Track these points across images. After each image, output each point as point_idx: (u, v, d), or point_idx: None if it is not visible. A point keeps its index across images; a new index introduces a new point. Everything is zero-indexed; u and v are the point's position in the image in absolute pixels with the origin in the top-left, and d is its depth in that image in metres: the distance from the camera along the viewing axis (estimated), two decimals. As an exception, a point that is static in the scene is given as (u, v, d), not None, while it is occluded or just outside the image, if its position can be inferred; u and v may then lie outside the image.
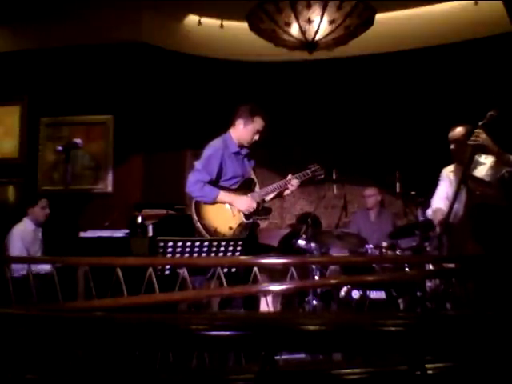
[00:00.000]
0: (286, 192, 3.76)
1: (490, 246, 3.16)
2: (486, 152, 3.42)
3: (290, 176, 3.72)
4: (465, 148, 3.50)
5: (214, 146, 3.63)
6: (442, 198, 3.79)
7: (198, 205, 3.52)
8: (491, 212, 3.28)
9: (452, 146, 3.67)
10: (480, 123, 3.35)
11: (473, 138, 3.33)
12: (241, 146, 3.70)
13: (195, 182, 3.49)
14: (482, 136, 3.31)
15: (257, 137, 3.67)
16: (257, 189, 3.72)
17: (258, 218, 3.68)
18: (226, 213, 3.54)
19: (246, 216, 3.58)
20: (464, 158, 3.51)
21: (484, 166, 3.51)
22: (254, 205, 3.58)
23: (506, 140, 3.44)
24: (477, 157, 3.45)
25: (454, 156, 3.73)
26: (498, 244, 3.17)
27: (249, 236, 3.54)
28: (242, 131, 3.65)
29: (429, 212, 3.85)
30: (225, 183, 3.61)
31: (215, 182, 3.57)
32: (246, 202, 3.56)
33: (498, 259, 2.68)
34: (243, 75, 6.09)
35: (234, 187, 3.64)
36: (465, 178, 3.32)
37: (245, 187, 3.66)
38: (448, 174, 3.82)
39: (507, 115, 3.42)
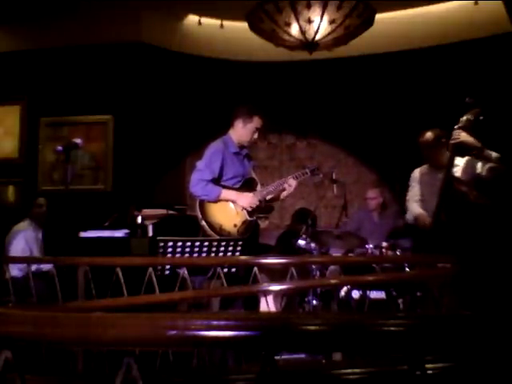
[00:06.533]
0: (284, 194, 3.78)
1: (484, 244, 3.16)
2: (468, 150, 3.43)
3: (289, 177, 3.77)
4: (438, 151, 3.63)
5: (214, 146, 3.69)
6: (418, 201, 3.79)
7: (202, 203, 3.55)
8: (483, 211, 3.28)
9: (424, 152, 3.72)
10: (456, 126, 3.37)
11: (453, 138, 3.35)
12: (241, 147, 3.76)
13: (198, 181, 3.53)
14: (461, 135, 3.33)
15: (256, 135, 3.73)
16: (258, 188, 3.77)
17: (260, 215, 3.71)
18: (229, 211, 3.58)
19: (250, 214, 3.61)
20: (438, 161, 3.62)
21: (458, 167, 3.52)
22: (256, 201, 3.61)
23: (489, 138, 3.45)
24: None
25: (427, 160, 3.78)
26: (492, 241, 3.17)
27: (250, 236, 3.56)
28: (242, 131, 3.70)
29: (409, 217, 3.83)
30: (226, 183, 3.65)
31: (217, 181, 3.61)
32: (247, 199, 3.60)
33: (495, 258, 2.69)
34: (243, 75, 6.09)
35: (236, 186, 3.67)
36: (449, 179, 3.33)
37: (247, 186, 3.71)
38: (421, 175, 3.83)
39: (490, 114, 3.42)
